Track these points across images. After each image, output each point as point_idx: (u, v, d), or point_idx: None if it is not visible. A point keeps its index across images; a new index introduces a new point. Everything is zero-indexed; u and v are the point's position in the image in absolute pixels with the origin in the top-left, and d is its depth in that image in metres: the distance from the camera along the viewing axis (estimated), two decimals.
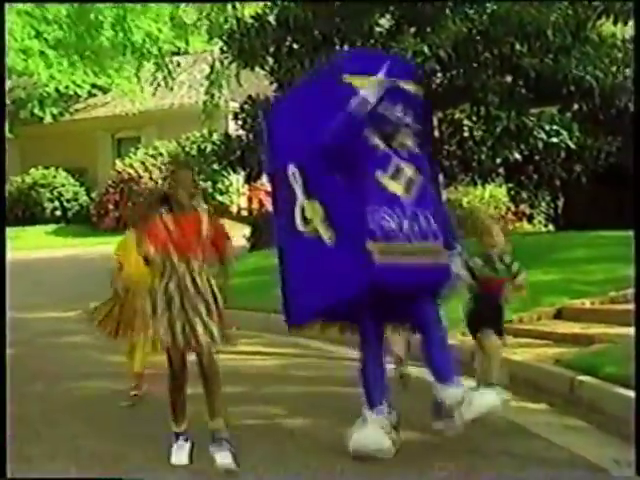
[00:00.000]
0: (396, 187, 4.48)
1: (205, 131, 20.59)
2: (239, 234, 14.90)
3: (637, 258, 4.56)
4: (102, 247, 18.72)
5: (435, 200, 4.73)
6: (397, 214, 4.43)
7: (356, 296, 4.45)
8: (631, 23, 12.99)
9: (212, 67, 17.53)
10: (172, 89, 21.44)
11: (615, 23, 12.43)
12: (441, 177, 13.12)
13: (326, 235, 4.52)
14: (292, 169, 4.69)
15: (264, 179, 16.78)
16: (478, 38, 12.62)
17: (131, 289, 5.86)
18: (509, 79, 13.01)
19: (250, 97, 15.06)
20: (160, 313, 4.61)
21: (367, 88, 4.52)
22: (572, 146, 12.77)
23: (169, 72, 20.73)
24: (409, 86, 4.75)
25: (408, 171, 4.54)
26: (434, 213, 4.59)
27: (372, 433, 4.53)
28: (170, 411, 4.72)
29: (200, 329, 4.57)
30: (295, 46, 14.30)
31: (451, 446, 4.70)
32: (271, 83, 15.03)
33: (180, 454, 4.65)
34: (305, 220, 4.64)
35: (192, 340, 4.57)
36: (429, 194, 4.65)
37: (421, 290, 4.57)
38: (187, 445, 4.69)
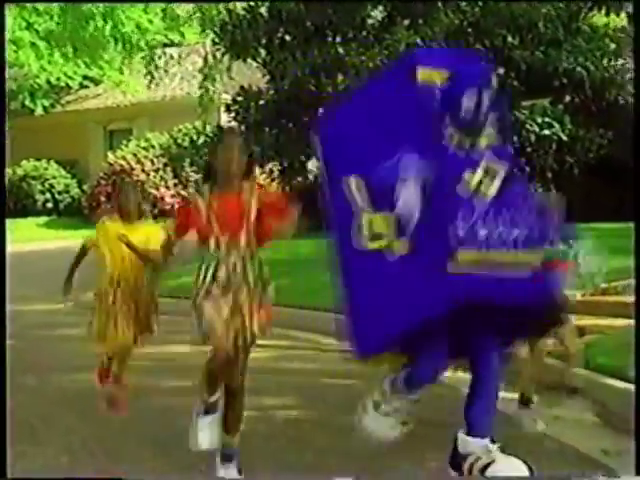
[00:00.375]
0: (485, 190, 3.93)
1: (197, 123, 20.56)
2: None
3: (637, 251, 4.31)
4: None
5: (530, 200, 4.17)
6: (487, 221, 3.87)
7: (436, 315, 3.79)
8: (623, 15, 13.03)
9: (205, 60, 17.49)
10: (157, 82, 21.36)
11: (607, 14, 12.45)
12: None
13: (401, 250, 3.92)
14: (354, 179, 4.14)
15: (257, 171, 16.79)
16: (470, 30, 12.66)
17: (111, 292, 5.36)
18: (501, 71, 13.04)
19: (242, 88, 15.05)
20: (213, 310, 4.01)
21: (446, 83, 3.97)
22: (564, 138, 12.82)
23: (155, 66, 20.67)
24: (487, 78, 4.23)
25: (497, 170, 4.01)
26: (529, 216, 4.02)
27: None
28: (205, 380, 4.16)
29: (248, 331, 4.07)
30: (287, 38, 14.30)
31: (441, 437, 4.72)
32: (263, 75, 15.02)
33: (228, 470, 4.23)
34: (371, 235, 4.05)
35: (240, 339, 4.05)
36: (523, 194, 4.11)
37: (512, 309, 3.89)
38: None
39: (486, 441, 3.93)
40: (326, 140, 4.49)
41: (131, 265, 5.29)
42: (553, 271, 4.27)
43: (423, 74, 3.97)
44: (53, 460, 4.58)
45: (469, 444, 3.95)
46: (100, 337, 5.40)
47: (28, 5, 21.20)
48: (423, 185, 3.89)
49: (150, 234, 5.23)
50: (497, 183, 3.94)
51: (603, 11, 12.60)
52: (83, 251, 5.63)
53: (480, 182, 3.91)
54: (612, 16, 13.25)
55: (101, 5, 21.23)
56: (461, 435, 3.99)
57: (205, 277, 4.08)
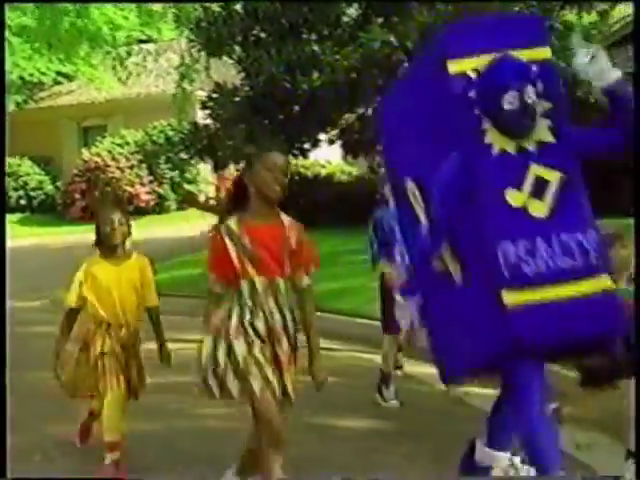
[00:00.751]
0: (536, 206, 3.30)
1: (173, 120, 20.52)
2: (208, 223, 14.86)
3: (637, 251, 3.74)
4: (68, 236, 18.67)
5: (588, 213, 3.42)
6: (539, 247, 3.25)
7: (497, 354, 3.33)
8: (594, 13, 13.16)
9: (182, 58, 17.47)
10: (132, 78, 21.30)
11: (579, 12, 12.56)
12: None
13: (454, 271, 3.42)
14: (410, 185, 3.63)
15: (232, 168, 16.79)
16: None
17: (99, 339, 4.49)
18: None
19: (217, 85, 15.04)
20: (252, 361, 3.42)
21: (483, 72, 3.33)
22: None
23: (130, 63, 20.60)
24: (539, 54, 3.45)
25: (551, 178, 3.33)
26: (589, 234, 3.34)
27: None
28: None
29: (289, 384, 3.53)
30: (263, 35, 14.31)
31: (413, 430, 4.77)
32: (239, 72, 15.02)
33: None
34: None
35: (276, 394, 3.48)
36: (580, 207, 3.38)
37: (580, 344, 3.36)
38: None
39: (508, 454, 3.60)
40: (382, 133, 3.94)
41: (124, 310, 4.49)
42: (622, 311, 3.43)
43: (454, 66, 3.34)
44: (26, 458, 4.57)
45: (492, 456, 3.59)
46: (79, 389, 4.57)
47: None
48: (460, 197, 3.31)
49: (142, 269, 4.55)
50: (549, 197, 3.32)
51: (575, 10, 12.73)
52: (71, 317, 4.58)
53: (529, 197, 3.30)
54: (584, 14, 13.41)
55: (74, 1, 21.13)
56: (483, 445, 3.64)
57: (242, 326, 3.44)
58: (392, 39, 12.48)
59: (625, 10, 13.25)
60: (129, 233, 4.55)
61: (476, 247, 3.31)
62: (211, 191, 22.24)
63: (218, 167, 16.05)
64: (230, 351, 3.42)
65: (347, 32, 13.59)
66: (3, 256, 4.32)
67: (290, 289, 3.54)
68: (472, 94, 3.32)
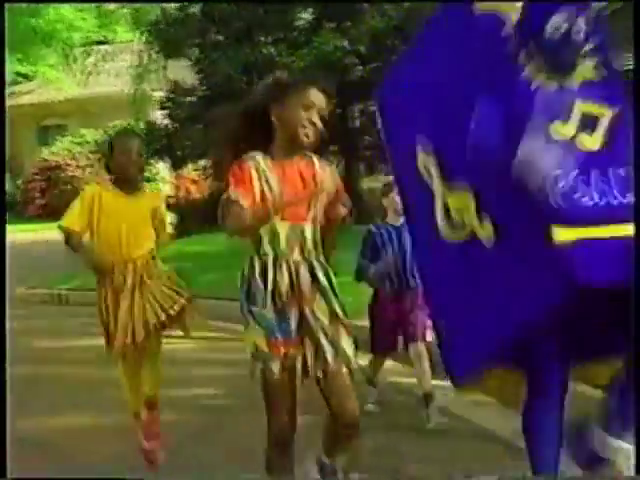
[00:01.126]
0: (587, 140, 2.97)
1: (132, 121, 20.70)
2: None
3: (637, 257, 3.07)
4: (27, 234, 18.79)
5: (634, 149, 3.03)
6: (597, 180, 2.90)
7: (545, 309, 2.87)
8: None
9: (139, 59, 17.68)
10: (91, 78, 21.44)
11: None
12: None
13: (485, 234, 3.00)
14: (422, 155, 3.21)
15: (190, 167, 17.05)
16: (395, 33, 13.14)
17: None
18: None
19: (175, 85, 15.31)
20: (266, 323, 2.94)
21: (519, 9, 2.99)
22: None
23: (78, 62, 20.69)
24: None
25: (601, 113, 3.01)
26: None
27: None
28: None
29: (329, 351, 2.97)
30: (220, 37, 14.60)
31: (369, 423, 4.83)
32: (197, 73, 15.30)
33: None
34: (451, 222, 3.13)
35: (318, 368, 2.98)
36: (629, 145, 3.01)
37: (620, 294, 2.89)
38: None
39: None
40: (386, 107, 3.53)
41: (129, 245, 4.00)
42: None
43: (485, 5, 3.04)
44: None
45: (614, 445, 2.98)
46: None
47: None
48: (502, 145, 2.90)
49: (155, 205, 4.13)
50: (600, 131, 2.97)
51: None
52: (76, 242, 4.01)
53: (577, 131, 2.95)
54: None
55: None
56: (602, 432, 2.99)
57: (265, 284, 2.94)
58: (345, 44, 12.83)
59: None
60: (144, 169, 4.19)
61: (518, 187, 2.87)
62: (169, 190, 22.46)
63: (176, 166, 16.31)
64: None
65: (302, 35, 13.93)
66: (3, 255, 3.90)
67: (319, 239, 3.04)
68: (508, 27, 2.97)
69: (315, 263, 3.02)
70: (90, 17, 21.79)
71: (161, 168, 21.51)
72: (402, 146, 3.34)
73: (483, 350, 3.06)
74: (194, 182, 18.23)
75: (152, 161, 18.54)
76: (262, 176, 2.93)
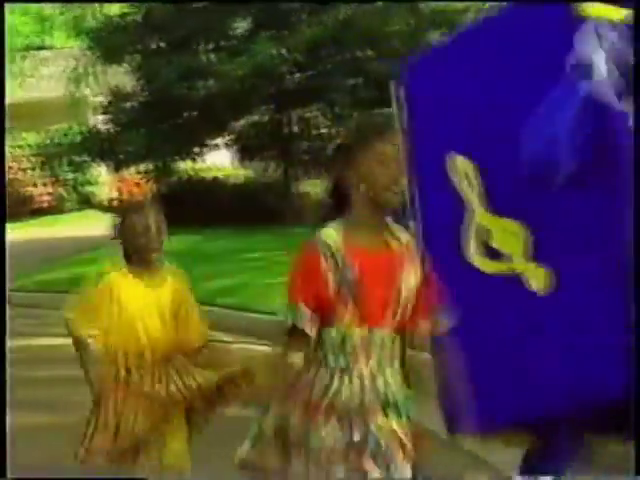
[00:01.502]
0: None
1: (74, 124, 20.93)
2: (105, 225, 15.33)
3: (636, 257, 2.77)
4: None
5: None
6: None
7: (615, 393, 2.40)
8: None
9: (77, 63, 17.94)
10: (31, 83, 21.58)
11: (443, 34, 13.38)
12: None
13: (536, 280, 2.51)
14: (461, 160, 2.77)
15: (132, 170, 17.35)
16: (330, 42, 13.69)
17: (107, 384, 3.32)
18: (360, 81, 14.10)
19: (115, 90, 15.64)
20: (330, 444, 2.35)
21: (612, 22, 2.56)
22: None
23: (17, 65, 20.78)
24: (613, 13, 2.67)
25: None
26: None
27: None
28: None
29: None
30: (161, 44, 14.99)
31: None
32: (138, 80, 15.65)
33: None
34: (490, 250, 2.66)
35: None
36: None
37: None
38: None
39: None
40: (414, 98, 3.08)
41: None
42: None
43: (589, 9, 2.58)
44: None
45: None
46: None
47: None
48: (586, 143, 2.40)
49: (176, 287, 3.40)
50: None
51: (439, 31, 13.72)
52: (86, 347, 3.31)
53: None
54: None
55: None
56: None
57: (323, 395, 2.37)
58: (283, 52, 13.32)
59: None
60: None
61: (594, 232, 2.38)
62: (112, 192, 22.68)
63: (118, 169, 16.63)
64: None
65: (241, 43, 14.38)
66: (3, 255, 3.65)
67: (399, 346, 2.45)
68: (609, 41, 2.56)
69: (389, 373, 2.44)
70: (31, 22, 21.90)
71: (104, 171, 21.75)
72: (432, 145, 2.93)
73: (517, 405, 2.60)
74: (137, 185, 18.55)
75: (94, 164, 18.84)
76: (336, 268, 2.33)
